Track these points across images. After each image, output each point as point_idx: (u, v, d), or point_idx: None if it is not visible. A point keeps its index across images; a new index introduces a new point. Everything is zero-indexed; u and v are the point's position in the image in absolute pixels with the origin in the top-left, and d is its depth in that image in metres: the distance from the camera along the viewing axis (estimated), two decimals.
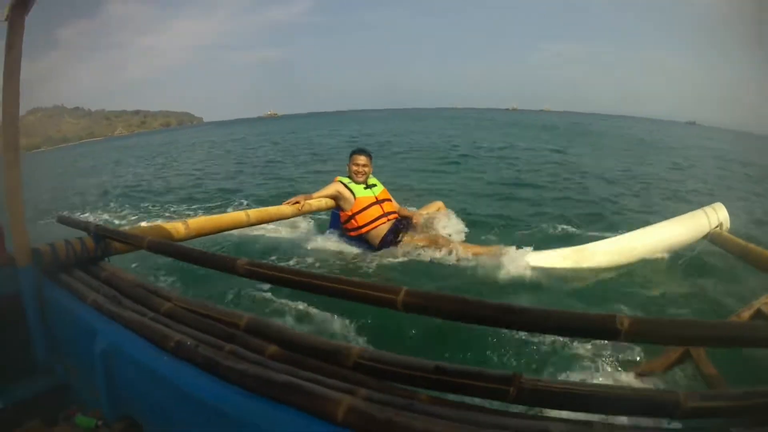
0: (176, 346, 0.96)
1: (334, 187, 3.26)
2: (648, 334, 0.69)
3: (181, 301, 1.18)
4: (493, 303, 0.73)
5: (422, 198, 4.65)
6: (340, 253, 3.29)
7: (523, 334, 1.90)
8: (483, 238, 3.57)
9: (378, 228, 3.21)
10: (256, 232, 3.67)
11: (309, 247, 3.40)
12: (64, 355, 1.46)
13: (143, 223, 4.85)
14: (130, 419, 1.09)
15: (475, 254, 2.93)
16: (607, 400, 0.70)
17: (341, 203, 3.26)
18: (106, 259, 1.61)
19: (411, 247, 3.11)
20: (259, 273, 0.97)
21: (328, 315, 2.19)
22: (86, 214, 5.72)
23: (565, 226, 4.00)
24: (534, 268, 2.67)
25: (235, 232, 2.86)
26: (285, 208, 2.92)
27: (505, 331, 1.91)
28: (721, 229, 2.74)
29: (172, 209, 5.72)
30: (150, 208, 5.91)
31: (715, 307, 2.40)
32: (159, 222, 4.96)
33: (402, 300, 0.78)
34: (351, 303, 0.85)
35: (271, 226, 3.60)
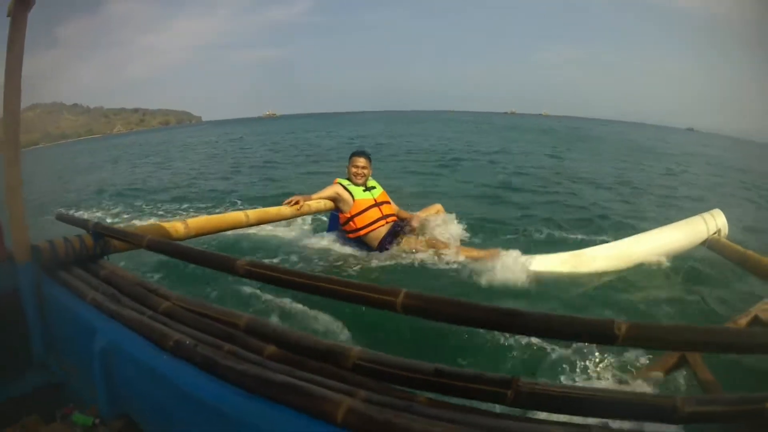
0: (175, 345, 0.96)
1: (333, 189, 3.26)
2: (645, 339, 0.69)
3: (180, 300, 1.18)
4: (491, 306, 0.73)
5: (419, 201, 4.67)
6: (339, 254, 3.30)
7: (521, 338, 1.91)
8: (481, 241, 3.58)
9: (377, 230, 3.22)
10: (254, 233, 3.67)
11: (307, 248, 3.41)
12: (62, 353, 1.46)
13: (135, 222, 4.85)
14: (128, 417, 1.09)
15: (473, 258, 2.94)
16: (604, 403, 0.70)
17: (340, 205, 3.27)
18: (105, 257, 1.61)
19: (409, 250, 3.12)
20: (258, 273, 0.97)
21: (327, 316, 2.19)
22: (80, 212, 5.71)
23: (562, 231, 4.03)
24: (532, 273, 2.68)
25: (233, 232, 2.86)
26: (284, 209, 2.92)
27: (504, 334, 1.92)
28: (719, 235, 2.76)
29: (164, 208, 5.73)
30: (143, 207, 5.91)
31: (712, 313, 2.41)
32: (152, 220, 4.96)
33: (401, 302, 0.78)
34: (350, 304, 0.86)
35: (269, 226, 3.61)
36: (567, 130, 30.56)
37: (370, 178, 3.43)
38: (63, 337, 1.44)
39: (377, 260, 3.10)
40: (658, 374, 1.51)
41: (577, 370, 1.74)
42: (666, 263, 2.84)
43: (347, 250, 3.33)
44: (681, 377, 1.52)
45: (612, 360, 1.76)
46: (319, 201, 3.19)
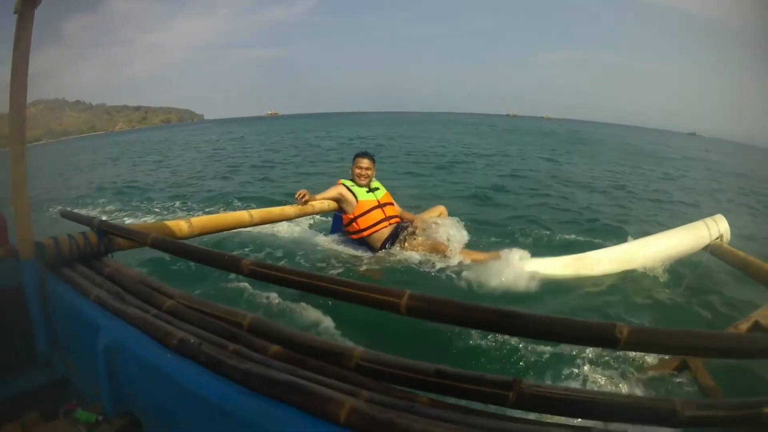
0: (179, 343, 0.97)
1: (336, 190, 3.27)
2: (646, 343, 0.70)
3: (184, 299, 1.19)
4: (494, 308, 0.74)
5: (416, 202, 4.68)
6: (341, 255, 3.30)
7: (523, 340, 1.92)
8: (483, 244, 3.59)
9: (379, 231, 3.22)
10: (257, 232, 3.68)
11: (310, 249, 3.42)
12: (66, 350, 1.46)
13: (129, 220, 4.87)
14: (131, 415, 1.09)
15: (475, 260, 2.95)
16: (604, 406, 0.71)
17: (343, 206, 3.28)
18: (109, 254, 1.61)
19: (412, 252, 3.12)
20: (263, 273, 0.97)
21: (329, 316, 2.20)
22: (78, 209, 5.73)
23: (562, 234, 4.03)
24: (534, 275, 2.68)
25: (236, 231, 2.87)
26: (288, 209, 2.93)
27: (506, 336, 1.92)
28: (721, 240, 2.76)
29: (163, 207, 5.76)
30: (140, 205, 5.94)
31: (713, 318, 2.41)
32: (149, 219, 4.98)
33: (405, 304, 0.79)
34: (352, 305, 0.86)
35: (272, 226, 3.62)
36: (568, 132, 30.56)
37: (373, 179, 3.44)
38: (66, 334, 1.44)
39: (380, 261, 3.11)
40: (659, 378, 1.52)
41: (579, 372, 1.74)
42: (668, 268, 2.85)
43: (350, 250, 3.34)
44: (682, 381, 1.52)
45: (613, 363, 1.77)
46: (322, 201, 3.20)
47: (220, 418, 0.83)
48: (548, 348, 1.88)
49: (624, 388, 1.59)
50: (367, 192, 3.31)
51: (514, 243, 3.65)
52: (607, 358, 1.79)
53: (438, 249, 3.08)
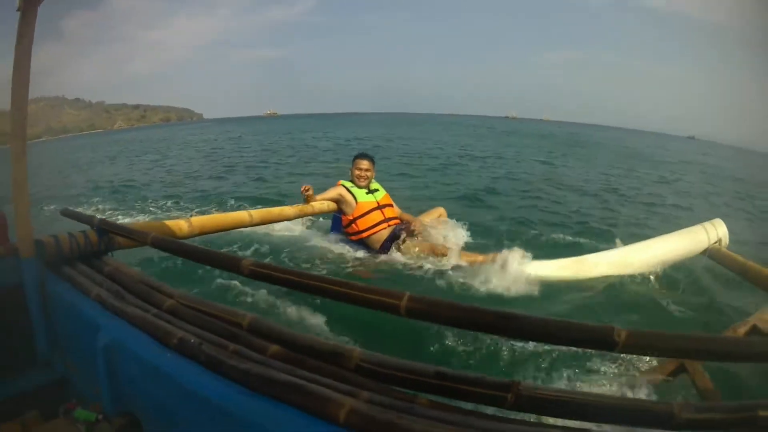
0: (179, 343, 0.97)
1: (336, 191, 3.28)
2: (644, 346, 0.70)
3: (184, 298, 1.19)
4: (493, 310, 0.74)
5: (413, 204, 4.68)
6: (340, 256, 3.31)
7: (522, 343, 1.93)
8: (481, 246, 3.59)
9: (378, 233, 3.23)
10: (256, 232, 3.68)
11: (309, 249, 3.42)
12: (66, 349, 1.46)
13: (125, 220, 4.87)
14: (131, 415, 1.09)
15: (473, 262, 2.95)
16: (602, 409, 0.71)
17: (343, 207, 3.28)
18: (110, 253, 1.61)
19: (410, 253, 3.12)
20: (263, 274, 0.97)
21: (329, 317, 2.20)
22: (73, 208, 5.72)
23: (562, 236, 4.04)
24: (533, 278, 2.68)
25: (235, 231, 2.87)
26: (288, 210, 2.94)
27: (505, 338, 1.93)
28: (720, 245, 2.77)
29: (161, 206, 5.76)
30: (135, 204, 5.94)
31: (711, 322, 2.42)
32: (145, 219, 4.98)
33: (405, 305, 0.79)
34: (352, 305, 0.86)
35: (272, 226, 3.61)
36: (566, 135, 30.64)
37: (373, 180, 3.44)
38: (66, 333, 1.44)
39: (378, 263, 3.11)
40: (657, 381, 1.52)
41: (577, 375, 1.75)
42: (667, 271, 2.85)
43: (349, 252, 3.34)
44: (680, 384, 1.53)
45: (612, 366, 1.77)
46: (322, 202, 3.20)
47: (220, 418, 0.83)
48: (547, 350, 1.89)
49: (622, 391, 1.59)
50: (367, 193, 3.31)
51: (500, 245, 3.66)
52: (605, 360, 1.80)
53: (437, 251, 3.08)
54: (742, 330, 1.78)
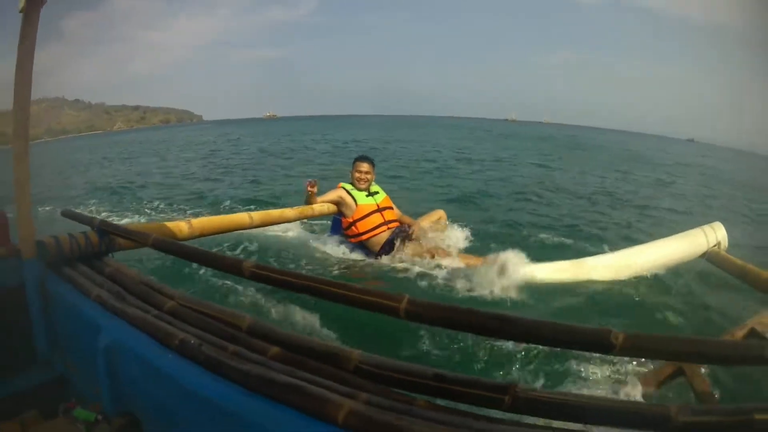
0: (180, 344, 0.97)
1: (336, 193, 3.28)
2: (642, 349, 0.70)
3: (184, 300, 1.19)
4: (491, 313, 0.75)
5: (410, 207, 4.70)
6: (340, 258, 3.31)
7: (520, 345, 1.93)
8: (480, 248, 3.59)
9: (378, 235, 3.23)
10: (257, 234, 3.68)
11: (309, 251, 3.42)
12: (66, 349, 1.46)
13: (123, 221, 4.88)
14: (131, 415, 1.10)
15: (472, 265, 2.95)
16: (599, 411, 0.72)
17: (343, 209, 3.29)
18: (110, 254, 1.61)
19: (410, 256, 3.13)
20: (264, 276, 0.98)
21: (329, 319, 2.20)
22: (71, 208, 5.72)
23: (560, 239, 4.04)
24: (531, 280, 2.69)
25: (235, 233, 2.87)
26: (288, 212, 2.95)
27: (503, 341, 1.93)
28: (719, 248, 2.77)
29: (150, 207, 5.80)
30: (131, 206, 5.97)
31: (710, 325, 2.42)
32: (141, 220, 4.99)
33: (404, 308, 0.80)
34: (353, 308, 0.87)
35: (272, 228, 3.62)
36: (566, 138, 30.69)
37: (373, 183, 3.45)
38: (67, 333, 1.44)
39: (378, 265, 3.12)
40: (655, 384, 1.53)
41: (574, 377, 1.75)
42: (665, 274, 2.86)
43: (348, 254, 3.35)
44: (677, 387, 1.53)
45: (609, 369, 1.78)
46: (322, 204, 3.21)
47: (220, 419, 0.84)
48: (544, 353, 1.89)
49: (619, 394, 1.59)
50: (367, 196, 3.32)
51: (498, 248, 3.65)
52: (602, 363, 1.80)
53: (436, 253, 3.08)
54: (740, 333, 1.78)
